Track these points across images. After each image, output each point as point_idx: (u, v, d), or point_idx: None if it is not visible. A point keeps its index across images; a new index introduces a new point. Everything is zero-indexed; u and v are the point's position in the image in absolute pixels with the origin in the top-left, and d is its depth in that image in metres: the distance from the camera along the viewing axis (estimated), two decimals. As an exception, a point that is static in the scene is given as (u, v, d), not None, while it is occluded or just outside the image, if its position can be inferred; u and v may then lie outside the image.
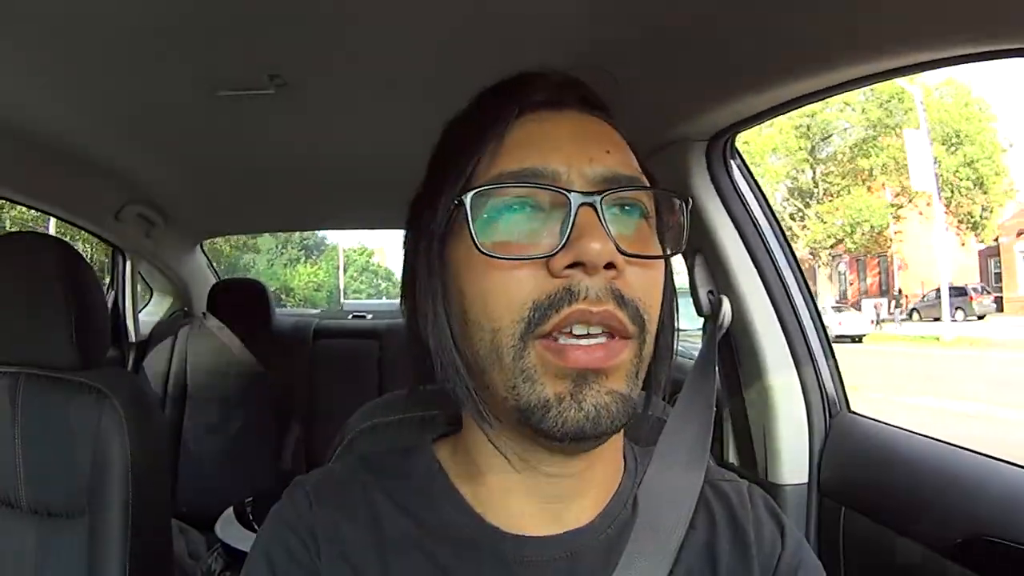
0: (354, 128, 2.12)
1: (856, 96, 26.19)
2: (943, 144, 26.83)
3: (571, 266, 0.71)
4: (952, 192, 27.53)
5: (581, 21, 1.36)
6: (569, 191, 0.73)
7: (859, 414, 1.70)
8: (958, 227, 28.05)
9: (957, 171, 26.75)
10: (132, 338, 3.68)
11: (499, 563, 0.79)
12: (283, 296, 31.51)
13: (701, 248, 1.72)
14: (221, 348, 3.66)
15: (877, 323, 25.21)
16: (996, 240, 28.31)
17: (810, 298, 1.75)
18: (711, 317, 1.55)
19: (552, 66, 0.87)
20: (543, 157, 0.76)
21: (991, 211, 27.82)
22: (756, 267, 1.70)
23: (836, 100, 24.98)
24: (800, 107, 1.47)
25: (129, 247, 3.45)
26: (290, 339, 3.93)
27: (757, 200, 1.76)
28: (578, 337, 0.72)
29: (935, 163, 25.00)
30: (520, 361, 0.73)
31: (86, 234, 3.37)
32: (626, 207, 0.78)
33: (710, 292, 1.70)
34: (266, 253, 34.12)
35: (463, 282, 0.77)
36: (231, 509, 2.78)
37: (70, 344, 1.63)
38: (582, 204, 0.72)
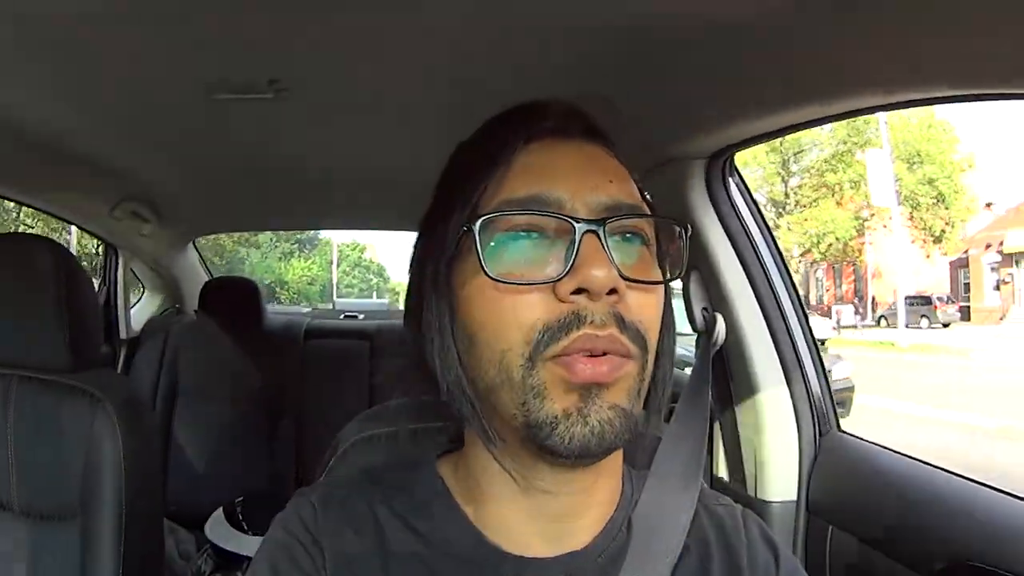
0: (351, 133, 2.12)
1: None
2: (906, 163, 29.47)
3: (576, 292, 0.73)
4: (913, 208, 29.39)
5: (581, 40, 1.36)
6: (573, 219, 0.75)
7: (849, 433, 1.71)
8: (924, 241, 29.71)
9: (915, 189, 28.79)
10: (123, 335, 3.68)
11: None
12: (277, 289, 32.59)
13: (697, 265, 1.73)
14: (212, 347, 3.66)
15: (837, 328, 25.96)
16: (966, 252, 30.33)
17: (804, 317, 1.76)
18: (705, 333, 1.57)
19: (552, 89, 0.89)
20: (548, 185, 0.78)
21: (952, 226, 30.10)
22: (751, 285, 1.71)
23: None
24: (801, 131, 1.48)
25: (122, 244, 3.46)
26: (281, 338, 3.91)
27: (754, 218, 1.77)
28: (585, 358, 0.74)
29: (896, 181, 26.76)
30: (530, 379, 0.74)
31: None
32: (627, 235, 0.80)
33: (704, 309, 1.71)
34: (261, 247, 34.78)
35: (471, 306, 0.79)
36: (221, 509, 2.78)
37: (63, 347, 1.63)
38: (586, 232, 0.75)
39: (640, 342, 0.76)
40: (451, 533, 0.84)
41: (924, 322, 27.64)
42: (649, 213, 0.83)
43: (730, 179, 1.75)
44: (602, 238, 0.75)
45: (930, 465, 1.48)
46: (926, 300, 28.81)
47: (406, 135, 2.08)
